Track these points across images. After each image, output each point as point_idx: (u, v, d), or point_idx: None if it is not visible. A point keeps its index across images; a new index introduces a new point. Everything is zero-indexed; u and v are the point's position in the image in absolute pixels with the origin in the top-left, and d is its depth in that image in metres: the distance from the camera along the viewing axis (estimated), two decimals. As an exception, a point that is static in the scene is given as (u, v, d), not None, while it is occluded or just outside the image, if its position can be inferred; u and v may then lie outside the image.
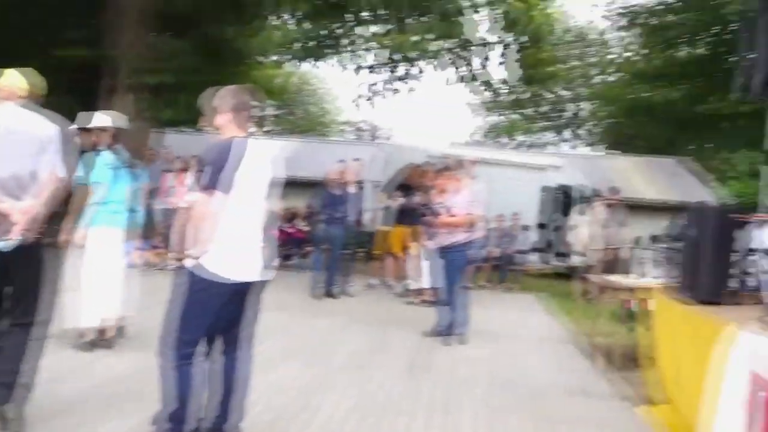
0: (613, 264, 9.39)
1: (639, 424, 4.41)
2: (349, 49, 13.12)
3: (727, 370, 3.16)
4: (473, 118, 33.31)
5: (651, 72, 14.66)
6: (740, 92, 4.17)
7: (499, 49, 12.83)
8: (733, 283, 3.92)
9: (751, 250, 3.98)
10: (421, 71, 13.42)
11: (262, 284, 3.43)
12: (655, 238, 14.13)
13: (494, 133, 31.56)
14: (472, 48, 12.80)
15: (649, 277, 6.04)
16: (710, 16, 12.22)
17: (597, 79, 25.20)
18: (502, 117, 30.65)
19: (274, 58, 16.23)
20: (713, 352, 3.30)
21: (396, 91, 14.40)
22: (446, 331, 6.83)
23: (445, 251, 6.92)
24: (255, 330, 3.52)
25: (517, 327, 8.16)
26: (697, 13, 12.39)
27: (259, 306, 3.49)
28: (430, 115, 57.59)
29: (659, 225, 14.44)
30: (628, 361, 5.71)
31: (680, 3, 12.78)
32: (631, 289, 6.01)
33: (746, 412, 2.97)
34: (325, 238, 9.52)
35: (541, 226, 13.07)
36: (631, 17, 14.16)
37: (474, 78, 13.53)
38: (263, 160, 3.41)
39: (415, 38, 11.29)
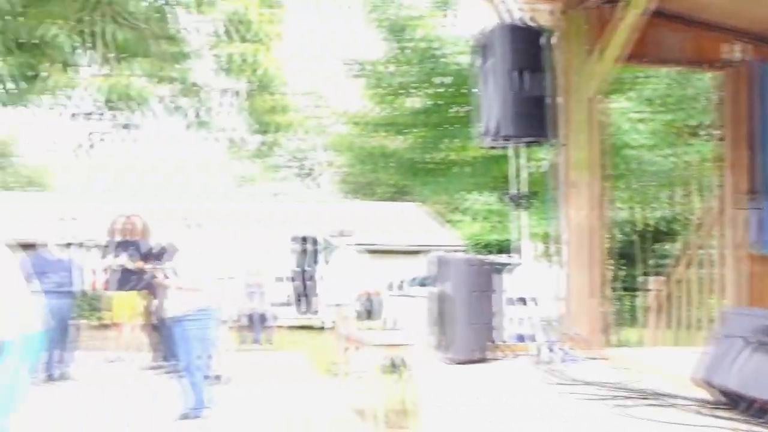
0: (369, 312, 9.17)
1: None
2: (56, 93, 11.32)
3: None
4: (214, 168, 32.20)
5: (380, 121, 15.11)
6: (480, 138, 4.13)
7: (227, 95, 12.13)
8: (495, 337, 3.72)
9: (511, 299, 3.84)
10: (143, 117, 12.03)
11: None
12: (402, 285, 14.55)
13: (240, 183, 30.87)
14: (199, 93, 11.92)
15: (402, 330, 5.78)
16: (429, 68, 12.86)
17: (332, 129, 25.62)
18: (245, 166, 30.00)
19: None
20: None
21: (122, 140, 12.92)
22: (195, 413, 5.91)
23: (176, 321, 6.06)
24: None
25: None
26: (418, 65, 12.97)
27: None
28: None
29: (402, 270, 14.92)
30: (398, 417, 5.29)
31: (403, 55, 13.25)
32: (384, 346, 5.66)
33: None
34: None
35: (294, 277, 12.66)
36: (360, 68, 14.41)
37: (203, 124, 12.58)
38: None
39: (128, 81, 10.03)
